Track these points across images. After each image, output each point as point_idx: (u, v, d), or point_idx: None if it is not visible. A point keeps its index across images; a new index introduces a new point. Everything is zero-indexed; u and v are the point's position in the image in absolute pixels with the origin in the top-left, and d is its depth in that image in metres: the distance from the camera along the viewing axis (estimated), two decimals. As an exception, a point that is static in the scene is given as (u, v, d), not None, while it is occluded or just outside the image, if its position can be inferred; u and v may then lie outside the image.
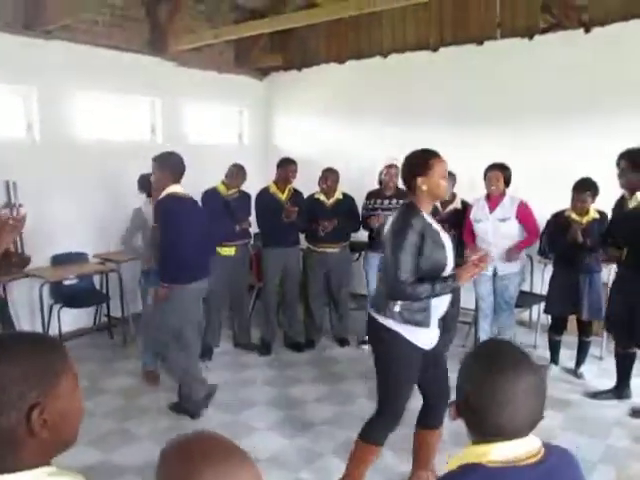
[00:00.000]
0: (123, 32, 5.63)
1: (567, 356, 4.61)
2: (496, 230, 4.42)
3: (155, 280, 3.82)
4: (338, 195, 5.06)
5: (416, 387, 2.82)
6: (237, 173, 4.87)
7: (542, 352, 4.70)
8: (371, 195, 5.08)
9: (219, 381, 4.45)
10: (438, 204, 4.42)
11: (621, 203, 3.80)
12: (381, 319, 2.65)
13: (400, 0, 4.71)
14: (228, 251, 4.86)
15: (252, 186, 5.10)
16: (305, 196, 5.11)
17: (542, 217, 4.51)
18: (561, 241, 4.23)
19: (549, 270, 4.60)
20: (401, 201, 4.82)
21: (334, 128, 6.80)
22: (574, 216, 4.24)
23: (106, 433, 3.64)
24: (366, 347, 5.13)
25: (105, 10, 5.39)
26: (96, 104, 5.70)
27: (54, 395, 0.99)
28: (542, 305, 4.66)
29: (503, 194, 4.48)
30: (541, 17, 5.33)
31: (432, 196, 2.62)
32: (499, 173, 4.43)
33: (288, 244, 5.01)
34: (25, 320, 4.92)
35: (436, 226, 2.63)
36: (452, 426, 3.27)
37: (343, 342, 5.28)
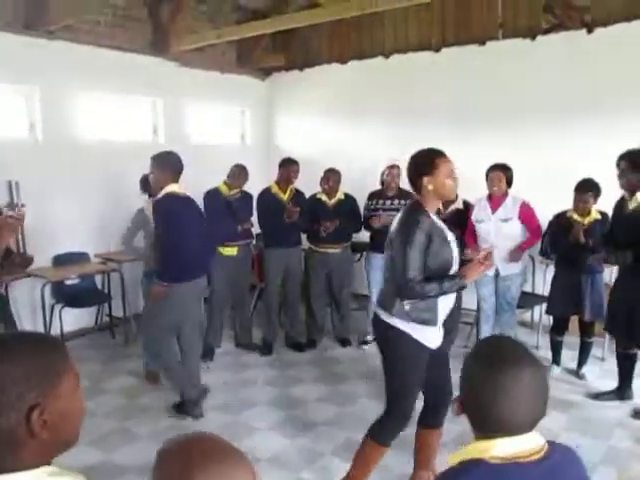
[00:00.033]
0: (125, 32, 5.64)
1: (569, 357, 4.60)
2: (498, 230, 4.42)
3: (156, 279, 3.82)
4: (340, 195, 5.06)
5: None
6: (239, 173, 4.88)
7: (544, 353, 4.69)
8: (373, 195, 5.08)
9: (220, 381, 4.47)
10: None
11: (621, 204, 3.79)
12: (388, 318, 2.65)
13: (402, 0, 4.72)
14: (230, 251, 4.86)
15: (254, 186, 5.10)
16: (307, 196, 5.11)
17: (544, 218, 4.51)
18: (563, 242, 4.23)
19: (551, 271, 4.59)
20: (403, 201, 4.87)
21: (336, 128, 6.80)
22: (576, 217, 4.24)
23: (107, 433, 3.64)
24: (367, 347, 5.14)
25: (107, 10, 5.40)
26: (98, 104, 5.72)
27: (55, 395, 0.99)
28: (544, 306, 4.66)
29: (505, 194, 4.47)
30: (543, 17, 5.33)
31: (438, 195, 2.62)
32: (501, 173, 4.42)
33: (290, 244, 5.01)
34: (27, 320, 4.93)
35: (442, 225, 2.63)
36: (454, 427, 3.28)
37: (344, 342, 5.27)
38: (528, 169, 4.90)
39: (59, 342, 1.09)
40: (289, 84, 7.21)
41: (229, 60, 6.88)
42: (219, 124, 7.12)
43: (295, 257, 5.10)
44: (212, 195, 4.82)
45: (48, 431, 0.97)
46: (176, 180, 3.69)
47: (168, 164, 3.67)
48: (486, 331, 4.67)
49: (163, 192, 3.63)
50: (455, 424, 3.32)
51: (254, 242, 5.36)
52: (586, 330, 4.42)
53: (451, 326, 2.80)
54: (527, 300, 4.96)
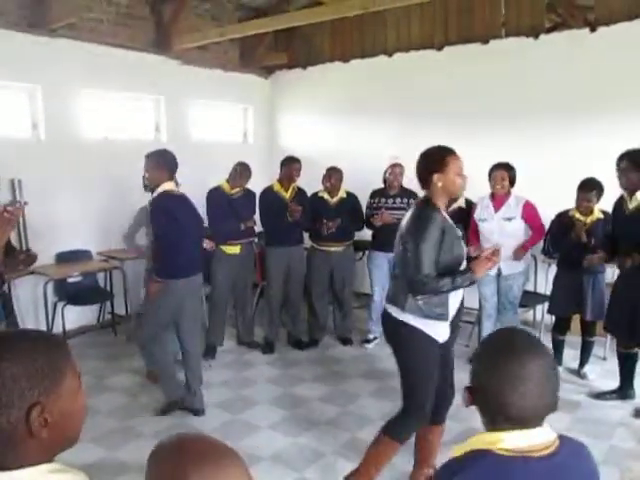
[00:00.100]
0: (128, 31, 5.65)
1: (570, 356, 4.60)
2: (501, 229, 4.41)
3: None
4: (342, 194, 5.06)
5: None
6: (241, 172, 4.86)
7: (546, 352, 4.68)
8: (375, 194, 5.08)
9: (222, 379, 4.48)
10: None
11: (620, 204, 3.78)
12: (399, 315, 2.66)
13: (405, -1, 4.71)
14: (233, 250, 4.86)
15: (256, 184, 5.09)
16: (309, 195, 5.11)
17: (545, 217, 4.51)
18: (565, 241, 4.23)
19: (553, 270, 4.59)
20: (405, 200, 4.88)
21: (338, 127, 6.80)
22: (578, 216, 4.23)
23: (109, 430, 3.65)
24: (370, 346, 5.14)
25: (110, 9, 5.40)
26: (101, 102, 5.72)
27: (56, 394, 0.99)
28: (546, 305, 4.66)
29: (508, 193, 4.47)
30: (546, 16, 5.33)
31: (447, 193, 2.64)
32: (504, 172, 4.42)
33: (292, 243, 5.01)
34: (29, 317, 4.94)
35: (451, 221, 2.66)
36: (456, 425, 3.28)
37: (346, 341, 5.27)
38: (530, 168, 4.90)
39: (61, 340, 1.09)
40: (292, 82, 7.21)
41: (232, 58, 6.88)
42: (221, 122, 7.12)
43: (297, 255, 5.10)
44: (215, 193, 4.82)
45: (49, 429, 0.97)
46: (171, 178, 3.71)
47: (164, 162, 3.68)
48: (488, 330, 4.67)
49: (159, 190, 3.64)
50: (457, 422, 3.33)
51: (256, 240, 5.36)
52: (587, 329, 4.42)
53: (456, 323, 2.81)
54: (529, 299, 4.96)
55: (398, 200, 4.92)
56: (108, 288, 5.49)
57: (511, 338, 1.31)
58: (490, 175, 4.47)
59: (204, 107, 6.76)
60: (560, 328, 4.48)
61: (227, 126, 7.20)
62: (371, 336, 5.20)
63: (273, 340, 5.15)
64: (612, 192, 3.95)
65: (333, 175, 4.99)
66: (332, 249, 5.04)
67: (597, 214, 4.20)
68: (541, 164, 5.19)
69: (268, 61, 7.13)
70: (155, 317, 3.77)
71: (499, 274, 4.49)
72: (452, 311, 2.68)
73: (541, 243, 4.56)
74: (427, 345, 2.65)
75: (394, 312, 2.70)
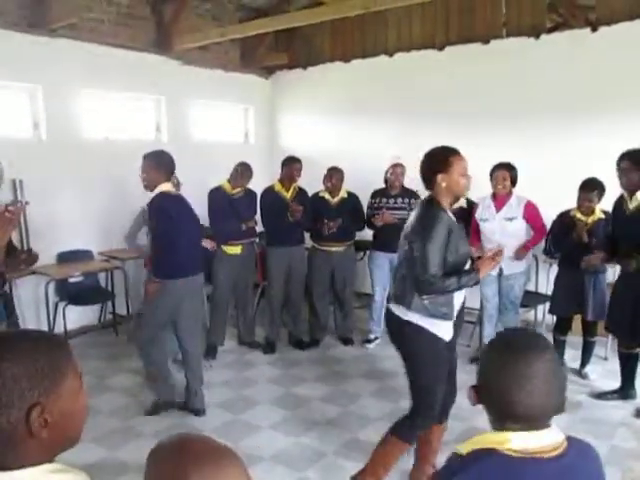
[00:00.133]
0: (128, 31, 5.65)
1: (572, 356, 4.60)
2: (503, 229, 4.41)
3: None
4: (343, 194, 5.06)
5: None
6: (242, 172, 4.85)
7: (547, 352, 4.68)
8: (376, 194, 5.08)
9: (223, 379, 4.48)
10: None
11: (620, 203, 3.78)
12: (403, 314, 2.66)
13: (406, -1, 4.71)
14: (234, 250, 4.86)
15: (257, 184, 5.09)
16: (310, 195, 5.11)
17: (546, 217, 4.50)
18: (566, 241, 4.22)
19: (554, 270, 4.58)
20: (406, 200, 4.88)
21: (339, 127, 6.80)
22: (579, 216, 4.23)
23: (110, 430, 3.65)
24: (370, 346, 5.14)
25: (111, 9, 5.41)
26: (101, 103, 5.73)
27: (56, 394, 0.99)
28: (547, 305, 4.65)
29: (510, 193, 4.47)
30: (547, 16, 5.32)
31: (451, 193, 2.65)
32: (506, 172, 4.41)
33: (293, 243, 5.01)
34: (30, 317, 4.94)
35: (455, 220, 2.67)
36: (458, 424, 3.27)
37: (347, 341, 5.27)
38: (531, 168, 4.89)
39: (62, 340, 1.09)
40: (292, 83, 7.21)
41: (232, 58, 6.88)
42: (222, 122, 7.12)
43: (298, 255, 5.10)
44: (216, 193, 4.82)
45: (49, 430, 0.97)
46: (169, 179, 3.73)
47: (163, 163, 3.69)
48: (489, 330, 4.67)
49: (157, 190, 3.65)
50: (458, 421, 3.33)
51: (257, 240, 5.36)
52: (589, 330, 4.41)
53: (458, 322, 2.82)
54: (530, 299, 4.96)
55: (399, 200, 4.92)
56: (109, 288, 5.49)
57: (517, 337, 1.31)
58: (491, 175, 4.47)
59: (205, 107, 6.76)
60: (561, 328, 4.48)
61: (228, 126, 7.20)
62: (372, 336, 5.20)
63: (274, 340, 5.15)
64: (612, 192, 3.95)
65: (334, 175, 4.98)
66: (333, 249, 5.03)
67: (598, 214, 4.20)
68: (542, 164, 5.19)
69: (269, 61, 7.13)
70: (153, 317, 3.77)
71: (500, 274, 4.49)
72: (456, 311, 2.69)
73: (542, 243, 4.56)
74: (435, 345, 2.66)
75: (398, 311, 2.69)
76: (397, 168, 4.94)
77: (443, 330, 2.68)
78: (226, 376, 4.55)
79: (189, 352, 3.91)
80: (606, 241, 3.93)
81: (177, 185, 4.34)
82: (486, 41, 5.62)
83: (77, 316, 5.38)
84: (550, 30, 5.30)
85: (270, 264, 5.07)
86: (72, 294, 5.17)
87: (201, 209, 4.55)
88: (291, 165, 4.94)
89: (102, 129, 5.72)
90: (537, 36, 5.33)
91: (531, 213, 4.43)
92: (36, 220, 4.96)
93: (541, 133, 5.31)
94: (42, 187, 5.05)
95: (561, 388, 1.24)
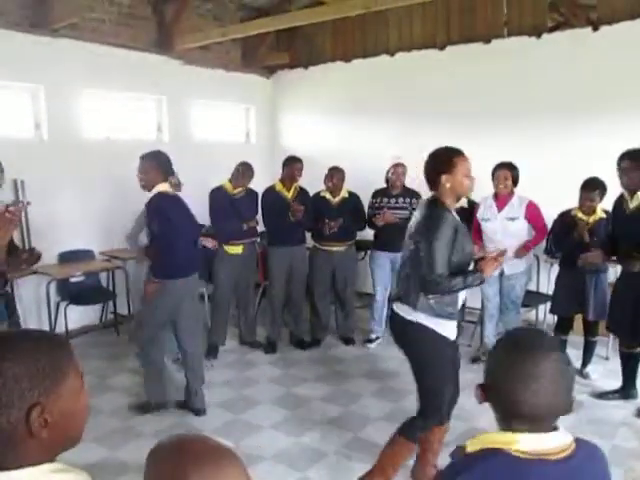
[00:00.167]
0: (130, 30, 5.65)
1: (573, 356, 4.55)
2: (505, 229, 4.41)
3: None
4: (344, 193, 5.05)
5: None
6: (244, 172, 4.85)
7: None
8: (377, 194, 5.08)
9: (224, 379, 4.48)
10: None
11: (620, 203, 3.77)
12: (408, 314, 2.66)
13: (407, -2, 4.71)
14: (235, 250, 4.86)
15: (258, 184, 5.09)
16: (311, 194, 5.11)
17: (547, 216, 4.49)
18: (568, 240, 4.22)
19: (555, 270, 4.58)
20: (408, 200, 4.88)
21: (340, 126, 6.80)
22: (581, 215, 4.23)
23: (111, 430, 3.65)
24: (372, 346, 5.14)
25: (112, 9, 5.41)
26: (103, 102, 5.73)
27: (57, 394, 0.98)
28: (548, 305, 4.65)
29: (512, 193, 4.46)
30: (549, 16, 5.32)
31: (455, 194, 2.65)
32: (508, 172, 4.41)
33: (294, 243, 5.01)
34: (32, 317, 4.94)
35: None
36: (460, 424, 3.27)
37: (348, 341, 5.27)
38: (532, 167, 4.88)
39: (63, 340, 1.09)
40: (294, 82, 7.21)
41: (234, 58, 6.88)
42: (223, 122, 7.12)
43: (299, 255, 5.09)
44: (217, 193, 4.82)
45: (49, 430, 0.97)
46: (166, 179, 3.73)
47: (161, 163, 3.70)
48: (490, 330, 4.67)
49: (155, 190, 3.65)
50: (460, 421, 3.33)
51: (259, 240, 5.36)
52: (590, 329, 4.41)
53: (459, 322, 2.82)
54: (531, 299, 4.95)
55: (400, 200, 4.92)
56: (110, 288, 5.49)
57: (525, 336, 1.31)
58: (493, 175, 4.46)
59: (206, 107, 6.76)
60: (562, 328, 4.47)
61: (229, 126, 7.20)
62: (373, 336, 5.19)
63: (275, 340, 5.15)
64: (612, 192, 3.95)
65: (335, 175, 4.98)
66: (334, 249, 5.03)
67: (600, 214, 4.19)
68: (542, 163, 5.18)
69: (270, 61, 7.13)
70: (152, 317, 3.78)
71: (502, 274, 4.49)
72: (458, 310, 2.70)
73: (544, 243, 4.56)
74: (442, 345, 2.66)
75: (402, 311, 2.69)
76: (398, 168, 4.94)
77: (448, 330, 2.68)
78: (227, 376, 4.55)
79: (189, 352, 3.91)
80: (606, 240, 3.93)
81: (178, 185, 4.34)
82: (487, 41, 5.61)
83: (78, 316, 5.38)
84: (551, 29, 5.29)
85: (271, 264, 5.07)
86: (73, 294, 5.18)
87: (202, 209, 4.56)
88: (292, 165, 4.94)
89: (103, 129, 5.72)
90: (538, 35, 5.33)
91: (533, 213, 4.43)
92: (37, 220, 4.96)
93: (542, 133, 5.31)
94: (43, 187, 5.05)
95: (569, 387, 1.24)
